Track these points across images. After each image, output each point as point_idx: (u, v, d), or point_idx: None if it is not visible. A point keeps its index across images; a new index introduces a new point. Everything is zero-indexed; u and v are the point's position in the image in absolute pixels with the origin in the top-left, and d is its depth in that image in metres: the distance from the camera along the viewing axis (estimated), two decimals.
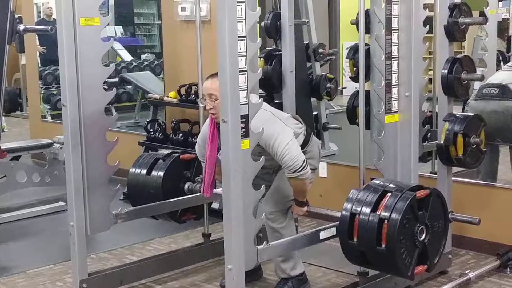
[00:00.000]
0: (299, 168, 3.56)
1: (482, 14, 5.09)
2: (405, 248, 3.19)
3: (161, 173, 4.16)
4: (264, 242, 3.29)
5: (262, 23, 4.95)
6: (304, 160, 3.58)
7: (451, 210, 3.97)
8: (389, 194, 3.24)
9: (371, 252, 3.22)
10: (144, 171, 4.21)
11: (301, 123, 3.87)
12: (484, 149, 4.12)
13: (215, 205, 4.84)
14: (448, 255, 4.15)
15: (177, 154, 4.28)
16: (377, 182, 3.40)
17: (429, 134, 4.37)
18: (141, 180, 4.22)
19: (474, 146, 4.00)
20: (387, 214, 3.16)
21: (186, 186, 4.24)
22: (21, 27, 5.15)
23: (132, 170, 4.27)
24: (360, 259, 3.37)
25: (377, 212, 3.20)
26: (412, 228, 3.21)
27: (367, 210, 3.23)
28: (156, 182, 4.17)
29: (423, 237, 3.26)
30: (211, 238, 4.54)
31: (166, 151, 4.44)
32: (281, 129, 3.63)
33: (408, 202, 3.17)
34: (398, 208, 3.16)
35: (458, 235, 4.43)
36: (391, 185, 3.33)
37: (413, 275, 3.27)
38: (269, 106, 3.83)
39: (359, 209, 3.26)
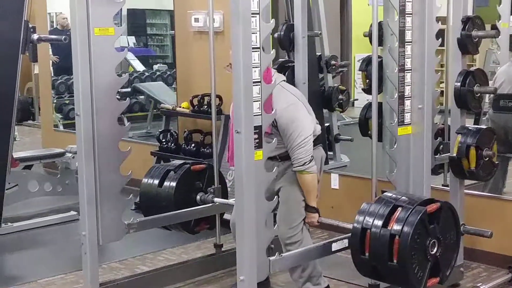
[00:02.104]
0: (308, 161, 3.64)
1: (495, 27, 5.08)
2: (417, 263, 3.17)
3: (173, 184, 4.16)
4: (276, 253, 3.28)
5: (276, 35, 4.97)
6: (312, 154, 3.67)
7: (463, 223, 3.95)
8: (399, 208, 3.24)
9: (383, 267, 3.21)
10: (156, 182, 4.22)
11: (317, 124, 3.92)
12: (496, 162, 4.10)
13: (227, 216, 4.84)
14: (460, 268, 4.13)
15: (188, 166, 4.28)
16: (388, 195, 3.40)
17: (441, 146, 4.36)
18: (153, 192, 4.23)
19: (487, 159, 3.99)
20: (398, 229, 3.15)
21: (198, 197, 4.25)
22: (35, 36, 5.21)
23: (145, 181, 4.28)
24: (372, 273, 3.36)
25: (388, 227, 3.19)
26: (424, 242, 3.20)
27: (378, 224, 3.22)
28: (168, 194, 4.17)
29: (435, 250, 3.25)
30: (222, 249, 4.54)
31: (177, 162, 4.45)
32: (304, 119, 3.69)
33: (419, 217, 3.15)
34: (409, 223, 3.14)
35: (470, 248, 4.41)
36: (402, 199, 3.32)
37: None
38: (294, 89, 3.87)
39: (370, 223, 3.25)
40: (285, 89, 3.79)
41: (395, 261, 3.14)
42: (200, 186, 4.28)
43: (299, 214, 3.83)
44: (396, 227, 3.16)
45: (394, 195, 3.39)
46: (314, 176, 3.73)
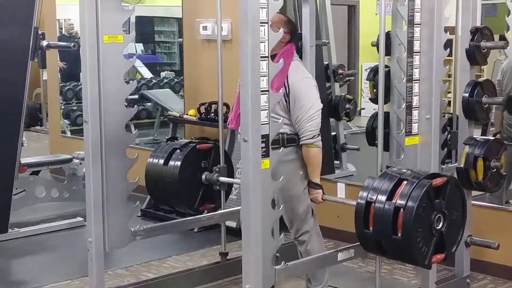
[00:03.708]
0: (317, 134, 3.71)
1: (503, 37, 5.08)
2: (422, 237, 3.10)
3: (178, 163, 4.10)
4: (282, 262, 3.28)
5: None
6: None
7: (470, 234, 3.94)
8: (405, 182, 3.16)
9: (387, 241, 3.15)
10: (161, 161, 4.17)
11: None
12: (504, 173, 4.09)
13: (232, 224, 4.85)
14: (466, 280, 4.12)
15: (194, 144, 4.23)
16: (394, 169, 3.32)
17: (449, 136, 4.30)
18: (158, 170, 4.17)
19: (495, 170, 3.98)
20: (403, 202, 3.08)
21: (203, 176, 4.22)
22: (44, 43, 5.23)
23: (150, 160, 4.23)
24: (375, 248, 3.31)
25: (392, 201, 3.12)
26: (429, 217, 3.11)
27: (382, 198, 3.15)
28: (173, 173, 4.11)
29: (440, 225, 3.16)
30: (228, 257, 4.54)
31: (184, 140, 4.39)
32: (317, 94, 3.79)
33: (424, 189, 3.08)
34: (414, 196, 3.07)
35: (476, 260, 4.40)
36: (407, 173, 3.24)
37: (430, 264, 3.18)
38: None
39: (374, 197, 3.18)
40: (302, 66, 3.94)
41: (399, 234, 3.07)
42: (206, 165, 4.24)
43: (304, 205, 3.86)
44: (401, 200, 3.08)
45: (398, 170, 3.31)
46: (320, 151, 3.78)
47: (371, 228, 3.18)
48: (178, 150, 4.17)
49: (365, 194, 3.23)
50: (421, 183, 3.12)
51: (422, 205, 3.07)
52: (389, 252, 3.27)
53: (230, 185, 4.33)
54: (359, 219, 3.23)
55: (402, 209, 3.07)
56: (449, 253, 3.27)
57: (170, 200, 4.26)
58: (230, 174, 4.31)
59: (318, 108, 3.74)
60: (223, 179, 4.19)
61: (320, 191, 3.83)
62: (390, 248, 3.21)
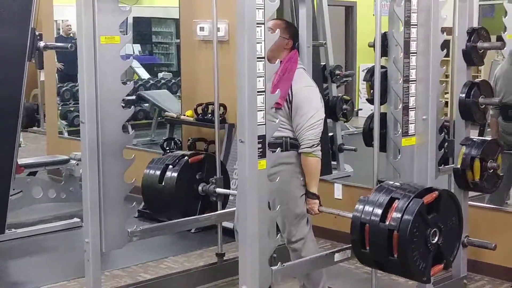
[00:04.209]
0: (316, 144, 3.68)
1: (500, 38, 5.08)
2: (418, 254, 3.10)
3: (173, 182, 4.13)
4: (279, 263, 3.28)
5: None
6: None
7: (467, 235, 3.95)
8: (396, 201, 3.15)
9: (385, 261, 3.16)
10: (156, 180, 4.18)
11: None
12: (501, 174, 4.10)
13: (228, 224, 4.85)
14: (463, 280, 4.12)
15: (186, 158, 4.23)
16: (385, 186, 3.30)
17: (446, 144, 4.30)
18: (154, 188, 4.20)
19: (491, 170, 3.99)
20: (395, 224, 3.08)
21: (200, 188, 4.23)
22: (42, 44, 5.23)
23: (145, 176, 4.25)
24: (374, 265, 3.34)
25: (386, 222, 3.12)
26: (424, 234, 3.12)
27: (375, 219, 3.14)
28: (169, 192, 4.15)
29: (436, 239, 3.16)
30: (224, 258, 4.54)
31: (175, 154, 4.37)
32: (319, 103, 3.77)
33: (416, 210, 3.07)
34: (406, 219, 3.06)
35: (473, 260, 4.40)
36: (398, 191, 3.21)
37: (429, 278, 3.21)
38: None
39: (368, 218, 3.17)
40: (306, 74, 3.91)
41: (395, 255, 3.09)
42: (201, 177, 4.26)
43: (299, 210, 3.83)
44: (394, 222, 3.09)
45: (390, 187, 3.28)
46: (319, 161, 3.74)
47: (367, 248, 3.19)
48: (171, 166, 4.17)
49: (358, 214, 3.22)
50: (413, 203, 3.10)
51: (415, 225, 3.07)
52: (387, 269, 3.29)
53: (226, 196, 4.35)
54: (355, 239, 3.24)
55: (395, 231, 3.07)
56: (448, 261, 3.28)
57: (171, 216, 4.27)
58: (226, 183, 4.34)
59: (320, 118, 3.71)
60: (220, 190, 4.21)
61: (317, 201, 3.80)
62: (388, 267, 3.22)
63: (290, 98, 3.68)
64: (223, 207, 4.39)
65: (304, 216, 3.85)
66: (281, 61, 3.59)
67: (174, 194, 4.13)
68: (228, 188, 4.35)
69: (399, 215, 3.09)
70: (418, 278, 3.21)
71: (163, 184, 4.15)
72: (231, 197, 4.54)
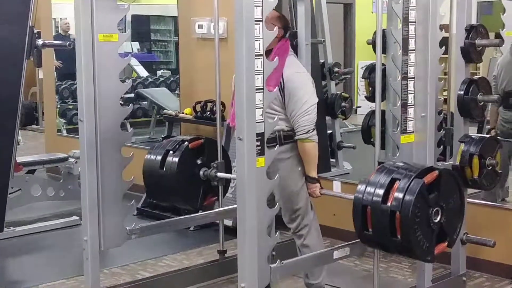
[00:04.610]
0: (312, 129, 3.69)
1: (498, 35, 5.08)
2: (421, 235, 3.10)
3: (175, 167, 4.08)
4: (278, 260, 3.28)
5: None
6: None
7: (466, 232, 3.94)
8: (397, 182, 3.14)
9: (388, 242, 3.16)
10: (157, 165, 4.13)
11: None
12: (500, 171, 4.09)
13: (228, 222, 4.85)
14: (462, 277, 4.12)
15: (186, 144, 4.18)
16: (386, 166, 3.29)
17: (443, 132, 4.29)
18: (156, 174, 4.15)
19: (490, 167, 3.98)
20: (397, 205, 3.07)
21: (201, 173, 4.22)
22: (40, 42, 5.22)
23: (147, 161, 4.21)
24: (377, 246, 3.34)
25: (387, 203, 3.11)
26: (426, 213, 3.12)
27: (377, 200, 3.14)
28: (171, 177, 4.10)
29: (439, 218, 3.16)
30: (226, 255, 4.53)
31: (177, 138, 4.36)
32: (312, 88, 3.78)
33: (417, 190, 3.07)
34: (408, 199, 3.06)
35: (472, 257, 4.40)
36: (400, 171, 3.20)
37: (433, 258, 3.21)
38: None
39: (369, 198, 3.17)
40: (298, 61, 3.93)
41: (398, 236, 3.08)
42: (202, 161, 4.22)
43: (303, 201, 3.85)
44: (395, 202, 3.08)
45: (391, 167, 3.27)
46: (316, 145, 3.76)
47: (370, 230, 3.19)
48: (171, 152, 4.13)
49: (360, 196, 3.22)
50: (414, 183, 3.10)
51: (417, 205, 3.07)
52: (391, 250, 3.30)
53: (228, 180, 4.33)
54: (357, 221, 3.24)
55: (397, 212, 3.07)
56: (451, 239, 3.27)
57: (174, 202, 4.26)
58: (228, 168, 4.32)
59: (313, 103, 3.73)
60: (221, 174, 4.20)
61: (318, 185, 3.83)
62: (392, 248, 3.23)
63: (282, 86, 3.69)
64: (225, 192, 4.36)
65: (308, 204, 3.89)
66: (271, 49, 3.60)
67: (176, 180, 4.09)
68: (230, 172, 4.33)
69: (400, 196, 3.08)
70: (423, 258, 3.22)
71: (164, 169, 4.11)
72: (228, 194, 4.53)
